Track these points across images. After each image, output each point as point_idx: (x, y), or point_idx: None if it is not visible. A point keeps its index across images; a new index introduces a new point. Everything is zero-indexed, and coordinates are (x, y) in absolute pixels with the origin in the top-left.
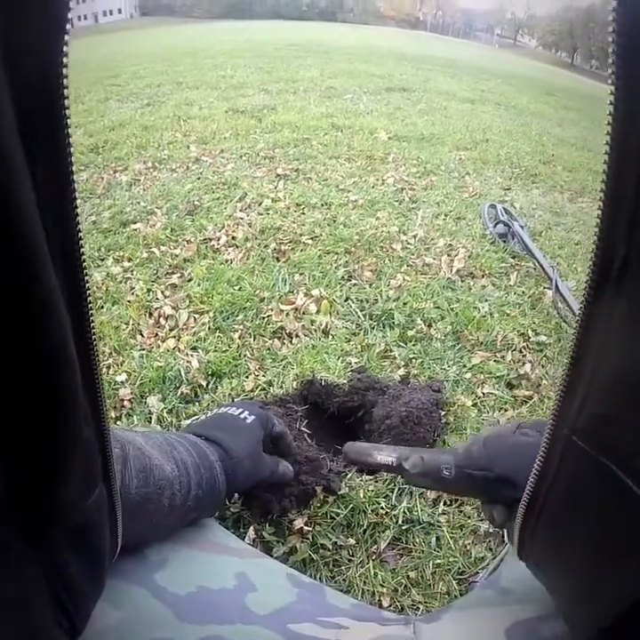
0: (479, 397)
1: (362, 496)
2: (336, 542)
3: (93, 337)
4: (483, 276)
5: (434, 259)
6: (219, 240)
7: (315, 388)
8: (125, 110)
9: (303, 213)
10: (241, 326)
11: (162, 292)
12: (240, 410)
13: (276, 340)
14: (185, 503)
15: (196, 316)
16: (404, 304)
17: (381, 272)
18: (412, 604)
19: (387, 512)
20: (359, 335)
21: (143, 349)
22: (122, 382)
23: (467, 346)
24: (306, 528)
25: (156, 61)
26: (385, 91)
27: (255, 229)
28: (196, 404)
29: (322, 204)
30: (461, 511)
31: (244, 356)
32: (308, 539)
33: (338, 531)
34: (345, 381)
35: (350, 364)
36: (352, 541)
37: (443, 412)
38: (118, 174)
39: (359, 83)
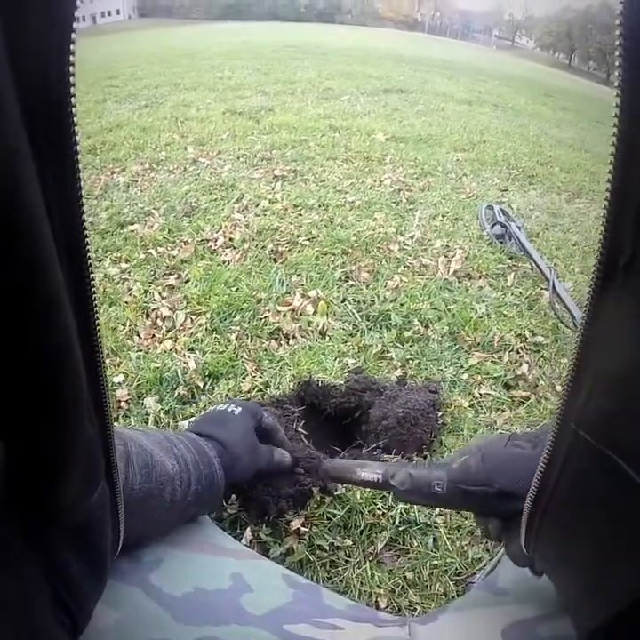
0: (476, 398)
1: (359, 497)
2: (333, 543)
3: (98, 335)
4: (480, 277)
5: (431, 260)
6: (216, 241)
7: (312, 389)
8: (123, 111)
9: (300, 214)
10: (238, 327)
11: (159, 294)
12: (227, 404)
13: (273, 341)
14: (185, 498)
15: (194, 317)
16: (401, 305)
17: (378, 273)
18: (409, 605)
19: (384, 513)
20: (356, 336)
21: (140, 350)
22: (119, 383)
23: (464, 347)
24: (303, 529)
25: (154, 63)
26: (382, 92)
27: (252, 230)
28: (193, 405)
29: (319, 206)
30: (458, 512)
31: (241, 357)
32: (304, 539)
33: (335, 532)
34: (342, 382)
35: (347, 365)
36: (349, 542)
37: (440, 413)
38: (116, 175)
39: (357, 84)
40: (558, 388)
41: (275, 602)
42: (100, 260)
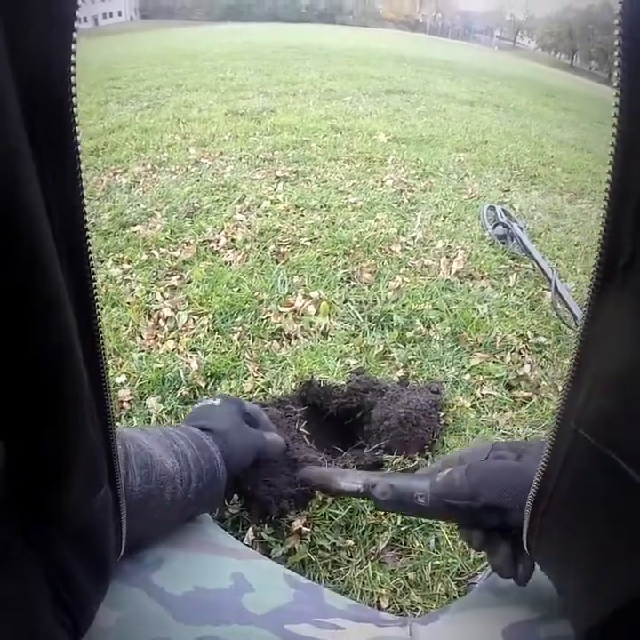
0: (478, 399)
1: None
2: (335, 543)
3: (100, 336)
4: (482, 278)
5: (433, 260)
6: (218, 242)
7: (313, 390)
8: (125, 113)
9: (302, 215)
10: (240, 328)
11: (161, 294)
12: (206, 399)
13: (274, 341)
14: (185, 496)
15: (196, 317)
16: (403, 305)
17: (380, 274)
18: (411, 605)
19: (385, 513)
20: (358, 336)
21: (142, 351)
22: (121, 384)
23: (466, 347)
24: (305, 529)
25: (156, 64)
26: (384, 93)
27: (254, 231)
28: (196, 405)
29: (321, 206)
30: None
31: (243, 357)
32: (306, 540)
33: (336, 532)
34: (344, 383)
35: (349, 365)
36: (351, 542)
37: (442, 414)
38: (118, 177)
39: (358, 85)
40: (560, 388)
41: (276, 602)
42: (102, 261)
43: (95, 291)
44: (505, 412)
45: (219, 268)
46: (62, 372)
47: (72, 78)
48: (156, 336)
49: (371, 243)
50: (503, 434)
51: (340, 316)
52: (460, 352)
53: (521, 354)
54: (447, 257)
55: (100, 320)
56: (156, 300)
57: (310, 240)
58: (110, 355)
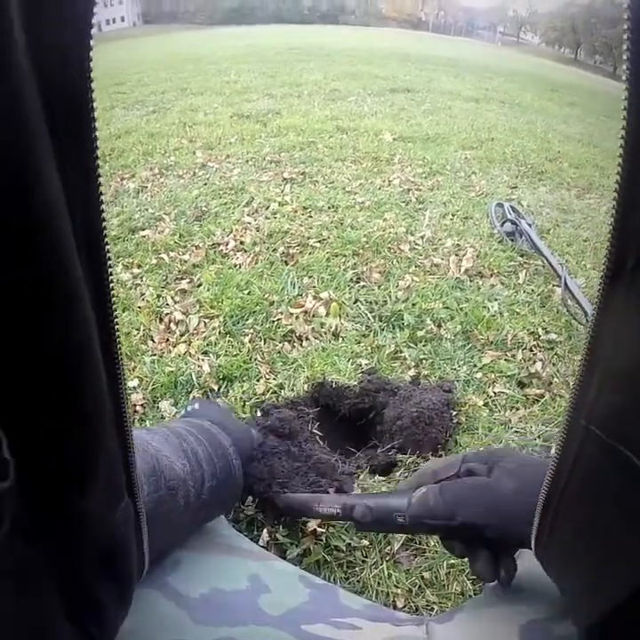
0: (490, 397)
1: None
2: (349, 544)
3: (117, 336)
4: (491, 276)
5: (442, 259)
6: (227, 245)
7: (326, 391)
8: (131, 118)
9: (310, 216)
10: (251, 330)
11: (172, 298)
12: (183, 408)
13: (286, 343)
14: (200, 497)
15: (207, 320)
16: (413, 305)
17: (390, 273)
18: (427, 605)
19: None
20: (369, 337)
21: (154, 355)
22: (134, 388)
23: (477, 345)
24: (319, 530)
25: (160, 68)
26: (389, 92)
27: (263, 233)
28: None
29: (329, 207)
30: None
31: (255, 359)
32: (321, 540)
33: (351, 532)
34: (355, 383)
35: (360, 365)
36: (365, 542)
37: (454, 412)
38: (125, 182)
39: (363, 85)
40: (571, 384)
41: (292, 602)
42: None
43: (112, 287)
44: (517, 409)
45: (228, 271)
46: (82, 371)
47: (90, 73)
48: (168, 340)
49: (379, 242)
50: (516, 432)
51: (350, 317)
52: (472, 350)
53: (532, 351)
54: (456, 255)
55: (116, 317)
56: (167, 304)
57: (319, 241)
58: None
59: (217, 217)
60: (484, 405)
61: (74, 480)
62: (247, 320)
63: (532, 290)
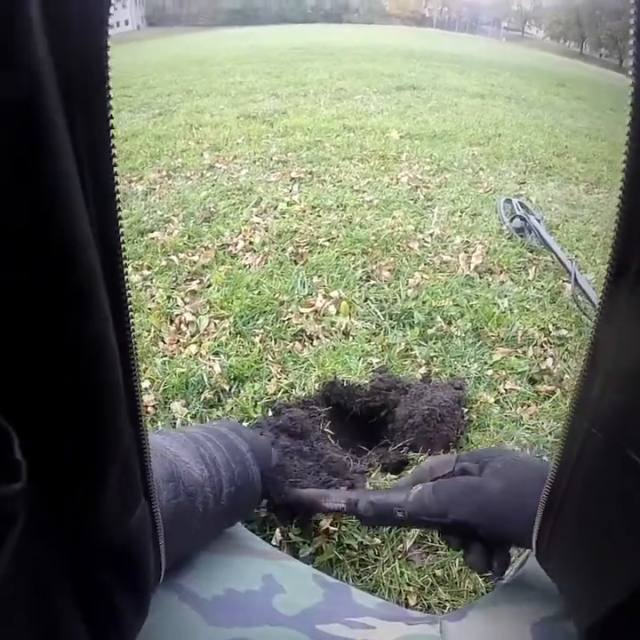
0: (501, 394)
1: None
2: (362, 542)
3: (131, 331)
4: (501, 272)
5: (451, 256)
6: (236, 245)
7: (337, 390)
8: (137, 120)
9: (319, 216)
10: (261, 330)
11: (182, 299)
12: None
13: (296, 342)
14: (218, 503)
15: (217, 321)
16: (424, 302)
17: (399, 271)
18: (439, 603)
19: None
20: (379, 335)
21: (165, 356)
22: (145, 389)
23: (487, 342)
24: (332, 528)
25: (165, 71)
26: (394, 89)
27: (272, 233)
28: (220, 408)
29: (337, 206)
30: None
31: (266, 359)
32: (333, 539)
33: (363, 530)
34: (366, 382)
35: (371, 364)
36: (378, 541)
37: (465, 410)
38: (134, 184)
39: (368, 83)
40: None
41: (306, 602)
42: None
43: (126, 279)
44: (528, 406)
45: (238, 272)
46: (98, 367)
47: (108, 62)
48: (179, 341)
49: (388, 241)
50: (527, 428)
51: (360, 315)
52: (482, 347)
53: (543, 347)
54: (465, 252)
55: (130, 311)
56: (177, 305)
57: (328, 240)
58: None
59: (225, 218)
60: (495, 402)
61: (89, 476)
62: (257, 320)
63: (542, 286)
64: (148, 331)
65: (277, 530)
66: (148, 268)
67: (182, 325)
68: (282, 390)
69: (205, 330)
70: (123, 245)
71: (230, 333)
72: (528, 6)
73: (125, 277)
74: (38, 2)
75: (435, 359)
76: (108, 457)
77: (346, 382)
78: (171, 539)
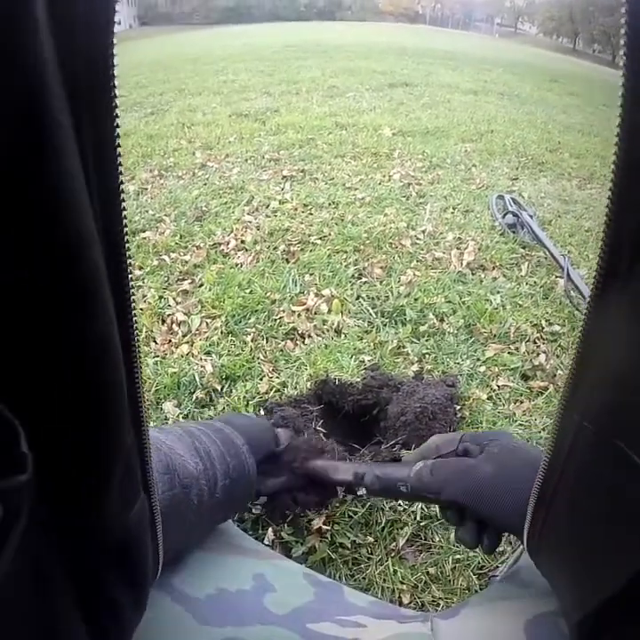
0: (494, 390)
1: None
2: (355, 541)
3: (135, 329)
4: (493, 268)
5: (443, 253)
6: (228, 244)
7: (329, 388)
8: (129, 120)
9: (311, 214)
10: (253, 329)
11: (173, 299)
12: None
13: (288, 341)
14: (213, 496)
15: (209, 320)
16: (416, 300)
17: (391, 269)
18: (433, 601)
19: (405, 509)
20: (371, 333)
21: (157, 356)
22: None
23: (480, 339)
24: (324, 527)
25: (158, 70)
26: (387, 87)
27: (264, 232)
28: (212, 408)
29: (329, 204)
30: None
31: (258, 358)
32: (326, 538)
33: (356, 529)
34: (359, 380)
35: (363, 362)
36: (370, 539)
37: (458, 407)
38: (125, 184)
39: (361, 80)
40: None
41: (297, 601)
42: None
43: (130, 277)
44: (521, 402)
45: (230, 271)
46: (102, 365)
47: (114, 60)
48: (170, 341)
49: (380, 238)
50: (520, 425)
51: (352, 313)
52: (475, 344)
53: (536, 343)
54: (458, 249)
55: (134, 309)
56: (169, 305)
57: (320, 238)
58: None
59: (217, 217)
60: (487, 399)
61: (91, 474)
62: (249, 319)
63: (535, 282)
64: (139, 331)
65: (270, 529)
66: (140, 268)
67: (174, 325)
68: (274, 389)
69: (197, 329)
70: (126, 244)
71: (222, 333)
72: (521, 3)
73: (129, 275)
74: (44, 2)
75: (427, 356)
76: (112, 457)
77: (338, 380)
78: (166, 531)
